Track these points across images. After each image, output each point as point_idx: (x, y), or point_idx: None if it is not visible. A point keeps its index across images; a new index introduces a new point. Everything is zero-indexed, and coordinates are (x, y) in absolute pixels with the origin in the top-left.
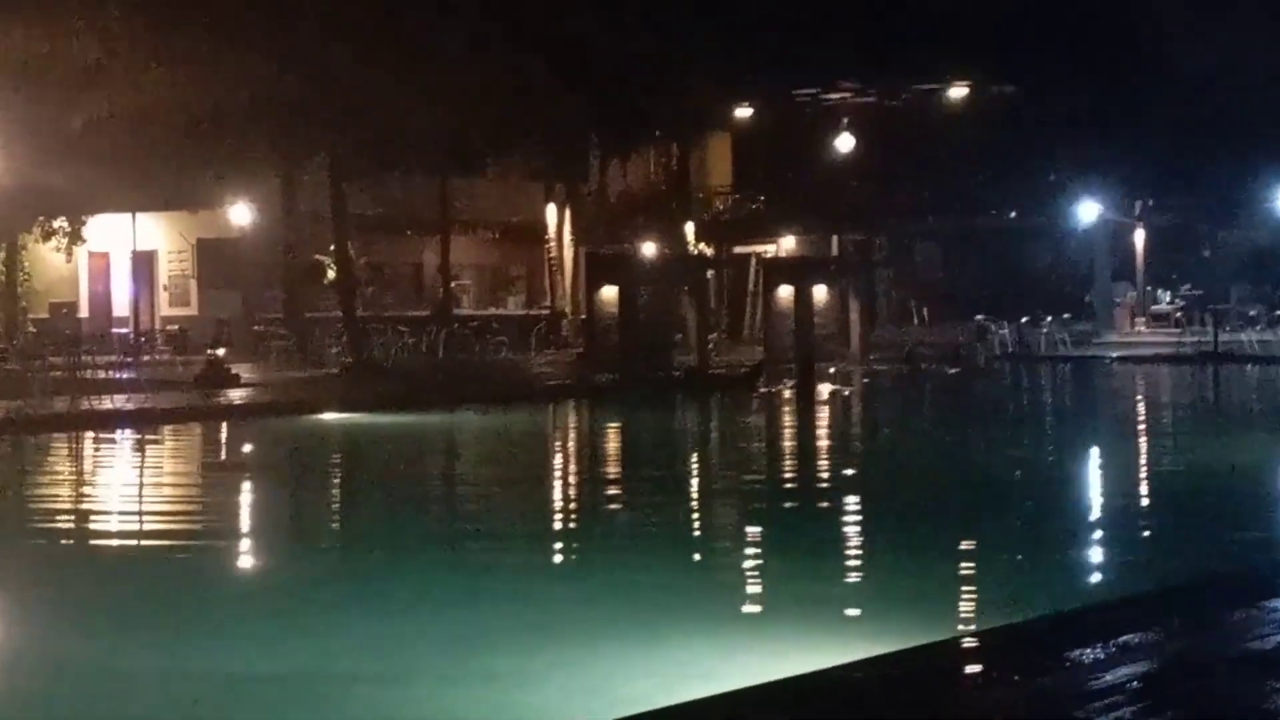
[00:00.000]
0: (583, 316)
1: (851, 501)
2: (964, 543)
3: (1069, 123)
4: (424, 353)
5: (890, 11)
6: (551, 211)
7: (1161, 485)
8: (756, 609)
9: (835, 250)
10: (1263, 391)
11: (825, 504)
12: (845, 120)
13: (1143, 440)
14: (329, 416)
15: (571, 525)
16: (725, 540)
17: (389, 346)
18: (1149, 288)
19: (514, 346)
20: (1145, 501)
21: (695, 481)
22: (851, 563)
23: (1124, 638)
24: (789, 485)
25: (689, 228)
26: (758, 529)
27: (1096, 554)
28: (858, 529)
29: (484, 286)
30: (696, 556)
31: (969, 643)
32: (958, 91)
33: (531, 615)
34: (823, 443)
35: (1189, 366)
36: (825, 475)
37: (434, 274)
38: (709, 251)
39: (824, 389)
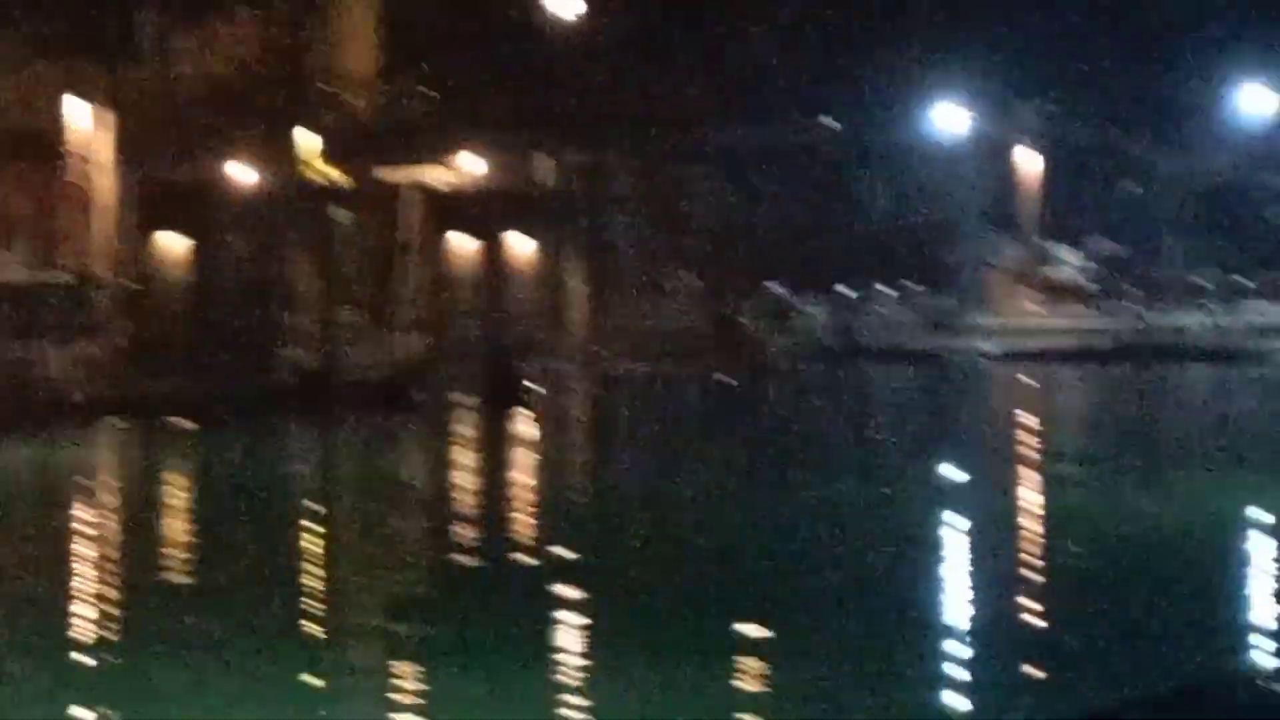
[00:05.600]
0: (130, 286)
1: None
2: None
3: None
4: None
5: None
6: (75, 110)
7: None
8: None
9: (548, 179)
10: (1227, 415)
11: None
12: None
13: (1034, 518)
14: None
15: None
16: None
17: None
18: (1044, 242)
19: (10, 334)
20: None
21: (300, 599)
22: None
23: None
24: (432, 607)
25: (307, 139)
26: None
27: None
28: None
29: None
30: None
31: None
32: None
33: None
34: (513, 516)
35: (1106, 371)
36: (495, 586)
37: None
38: (341, 179)
39: (523, 412)
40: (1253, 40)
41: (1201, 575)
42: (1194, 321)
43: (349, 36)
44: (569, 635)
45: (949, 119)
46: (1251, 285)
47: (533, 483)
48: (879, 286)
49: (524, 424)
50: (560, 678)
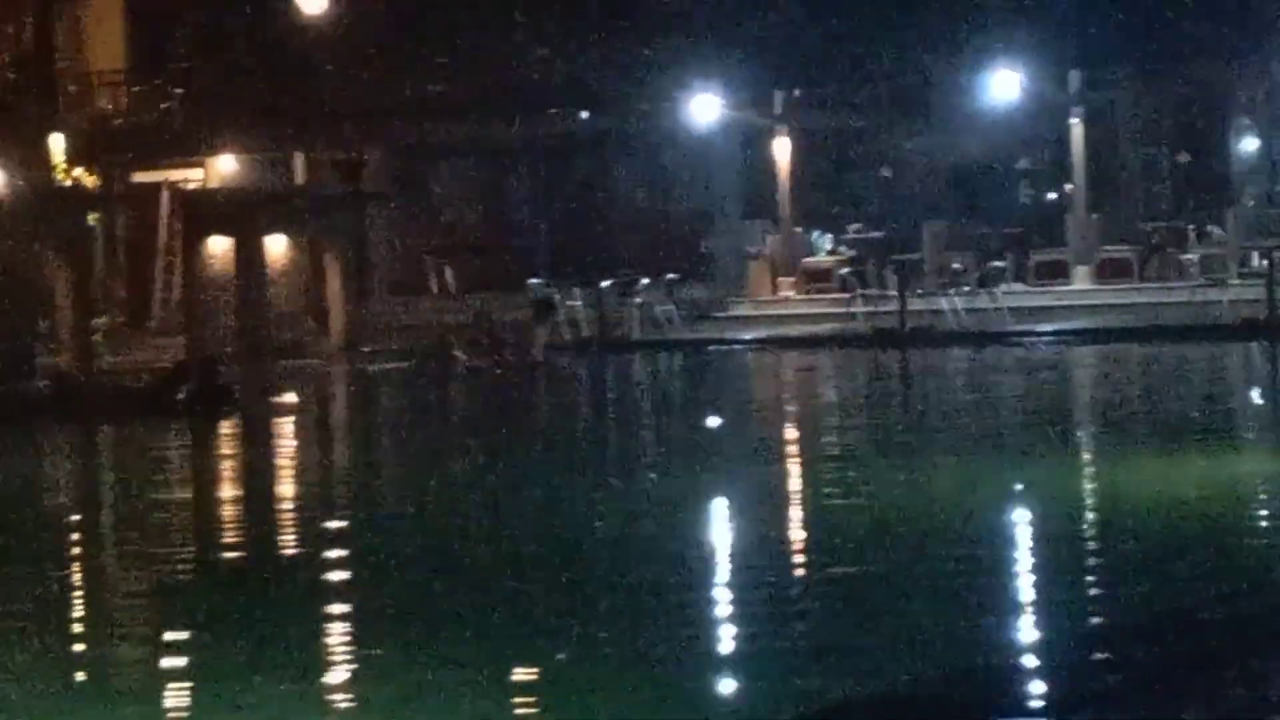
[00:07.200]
0: None
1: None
2: None
3: None
4: None
5: None
6: None
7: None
8: None
9: (302, 177)
10: (979, 398)
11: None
12: None
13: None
14: None
15: None
16: None
17: None
18: (799, 229)
19: None
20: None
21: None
22: None
23: None
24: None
25: (56, 141)
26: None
27: None
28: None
29: None
30: None
31: None
32: None
33: None
34: (276, 514)
35: (863, 353)
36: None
37: None
38: (92, 182)
39: (286, 407)
40: (1006, 24)
41: (956, 557)
42: (948, 305)
43: (96, 37)
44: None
45: (706, 109)
46: (1004, 266)
47: (291, 497)
48: (640, 278)
49: (296, 427)
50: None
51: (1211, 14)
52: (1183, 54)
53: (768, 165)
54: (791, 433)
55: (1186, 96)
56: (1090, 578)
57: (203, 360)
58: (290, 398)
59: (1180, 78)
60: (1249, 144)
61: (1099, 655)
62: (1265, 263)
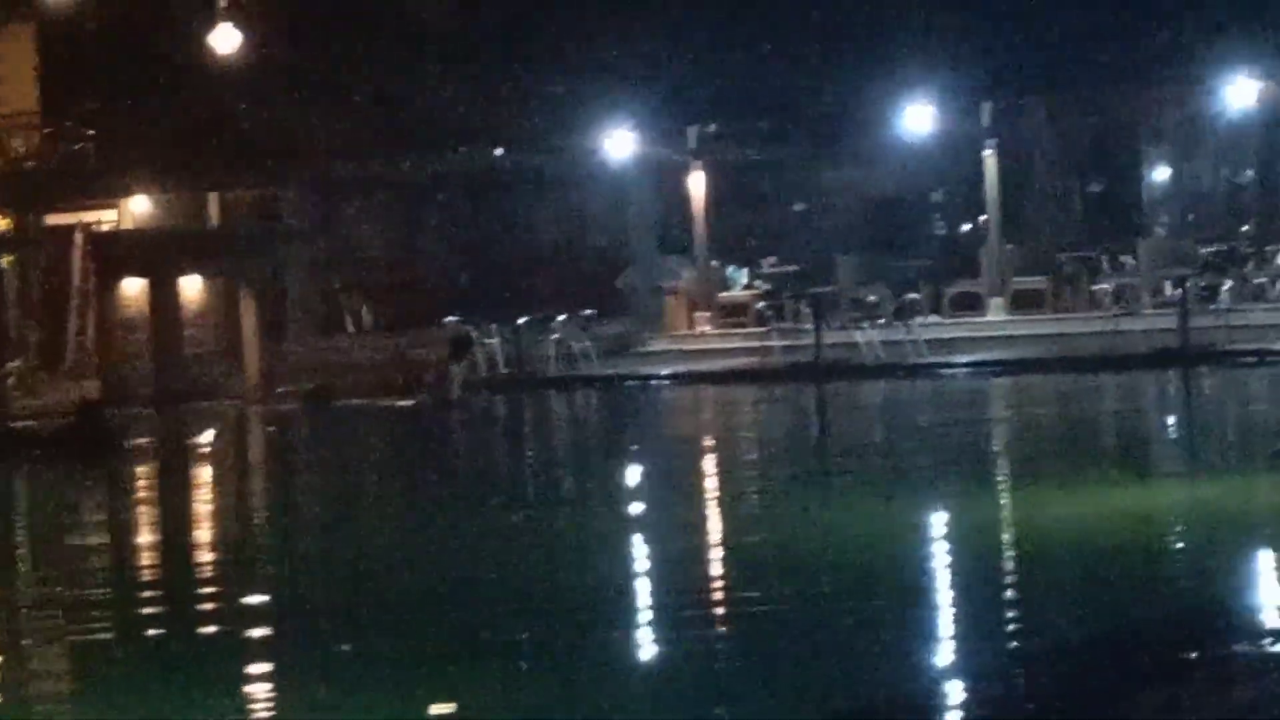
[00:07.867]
0: None
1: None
2: None
3: (573, 12)
4: None
5: None
6: None
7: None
8: None
9: (217, 216)
10: (893, 432)
11: None
12: (224, 3)
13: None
14: None
15: None
16: None
17: None
18: (715, 263)
19: None
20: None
21: None
22: None
23: None
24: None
25: None
26: None
27: None
28: None
29: None
30: None
31: None
32: None
33: None
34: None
35: (780, 389)
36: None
37: None
38: (4, 224)
39: (172, 451)
40: (919, 57)
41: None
42: (863, 338)
43: (8, 78)
44: None
45: (621, 145)
46: (919, 298)
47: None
48: (556, 314)
49: (214, 471)
50: None
51: (1123, 44)
52: (1094, 84)
53: (683, 200)
54: (704, 468)
55: (1098, 126)
56: (995, 610)
57: (88, 405)
58: (183, 441)
59: (1092, 108)
60: (1161, 173)
61: (1014, 692)
62: (1178, 292)
